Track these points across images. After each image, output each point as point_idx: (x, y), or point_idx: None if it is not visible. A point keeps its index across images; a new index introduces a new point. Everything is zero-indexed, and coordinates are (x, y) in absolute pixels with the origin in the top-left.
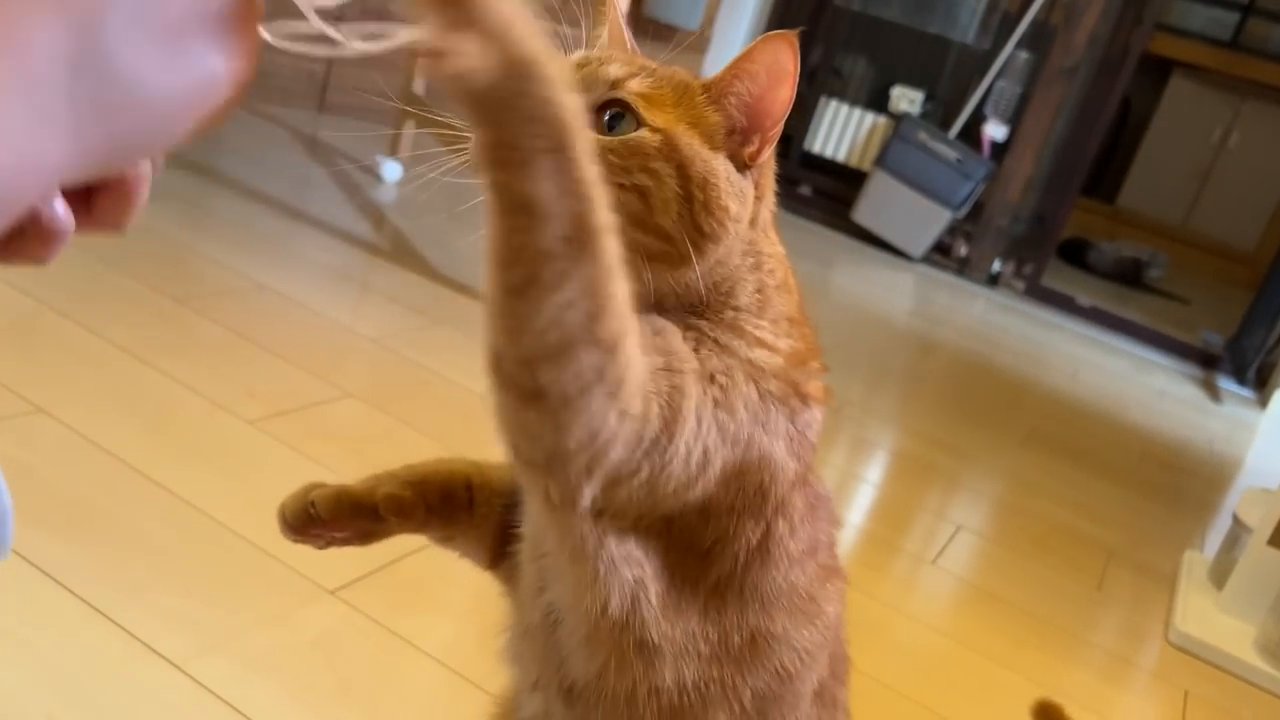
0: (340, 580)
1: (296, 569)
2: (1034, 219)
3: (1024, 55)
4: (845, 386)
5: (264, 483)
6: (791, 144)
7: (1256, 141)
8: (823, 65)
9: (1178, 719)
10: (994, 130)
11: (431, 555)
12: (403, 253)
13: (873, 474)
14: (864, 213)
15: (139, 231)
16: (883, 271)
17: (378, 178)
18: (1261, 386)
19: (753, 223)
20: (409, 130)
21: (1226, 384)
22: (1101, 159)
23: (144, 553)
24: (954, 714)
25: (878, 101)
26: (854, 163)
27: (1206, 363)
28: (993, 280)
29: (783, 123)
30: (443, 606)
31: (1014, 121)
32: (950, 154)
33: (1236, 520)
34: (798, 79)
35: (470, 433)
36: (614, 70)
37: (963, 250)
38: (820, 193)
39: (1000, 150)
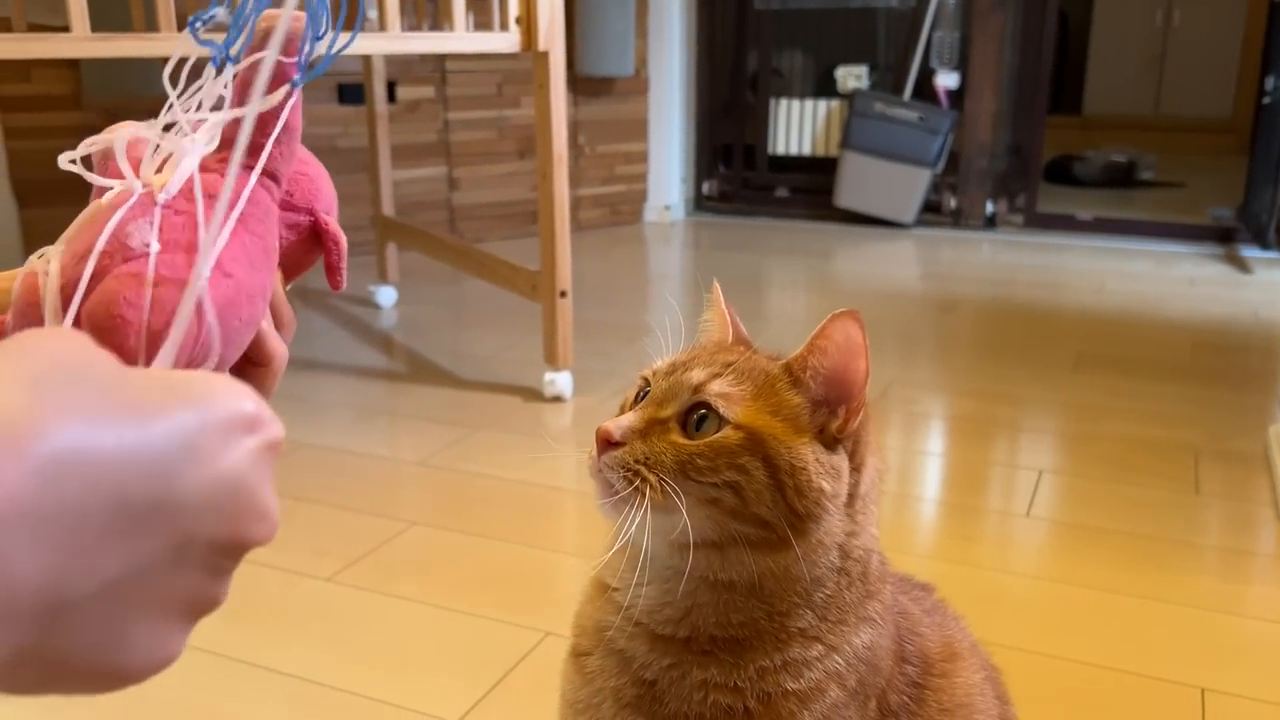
0: (461, 709)
1: (416, 709)
2: (1011, 151)
3: (952, 0)
4: (881, 367)
5: (359, 634)
6: (756, 153)
7: (1198, 12)
8: (762, 69)
9: None
10: (946, 79)
11: (542, 672)
12: (420, 371)
13: (936, 445)
14: (845, 196)
15: None
16: (881, 246)
17: (375, 306)
18: None
19: (850, 499)
20: (392, 252)
21: (1250, 252)
22: (1056, 75)
23: None
24: (1091, 656)
25: (825, 88)
26: (820, 152)
27: (1223, 238)
28: (990, 222)
29: (864, 393)
30: None
31: (962, 65)
32: (911, 115)
33: None
34: (868, 350)
35: (542, 525)
36: (696, 375)
37: (952, 202)
38: (797, 190)
39: (958, 96)
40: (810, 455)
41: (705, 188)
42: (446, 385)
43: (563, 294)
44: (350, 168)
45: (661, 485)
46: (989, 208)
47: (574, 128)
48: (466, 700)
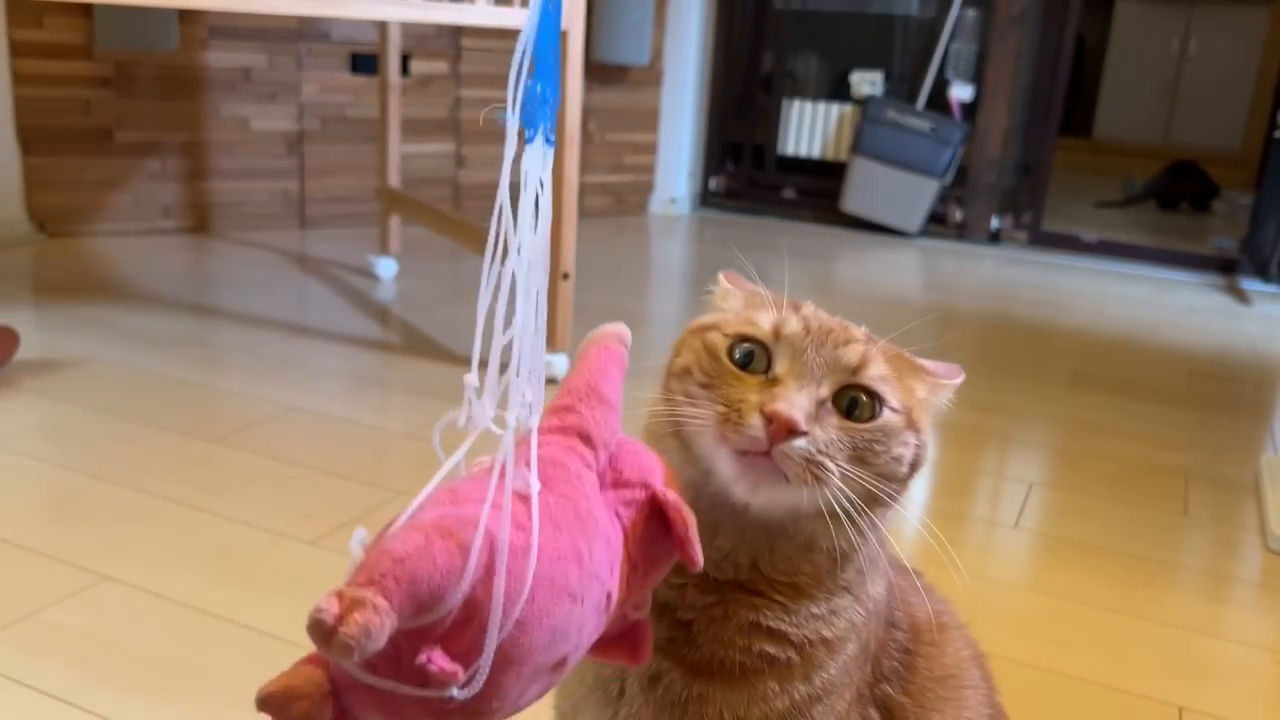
0: None
1: None
2: (1020, 168)
3: (971, 13)
4: None
5: None
6: (765, 152)
7: (1215, 43)
8: (777, 70)
9: None
10: (960, 91)
11: None
12: (416, 344)
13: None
14: (852, 201)
15: (158, 383)
16: (885, 253)
17: (374, 278)
18: None
19: None
20: (395, 224)
21: (1251, 285)
22: (1068, 96)
23: (243, 695)
24: (1072, 668)
25: (839, 91)
26: (830, 156)
27: (1225, 269)
28: (994, 237)
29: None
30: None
31: (977, 79)
32: (923, 125)
33: None
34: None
35: None
36: (853, 355)
37: (958, 215)
38: (804, 192)
39: (971, 109)
40: (928, 426)
41: (712, 184)
42: (441, 360)
43: (565, 276)
44: (359, 138)
45: (835, 472)
46: (994, 223)
47: (585, 114)
48: None
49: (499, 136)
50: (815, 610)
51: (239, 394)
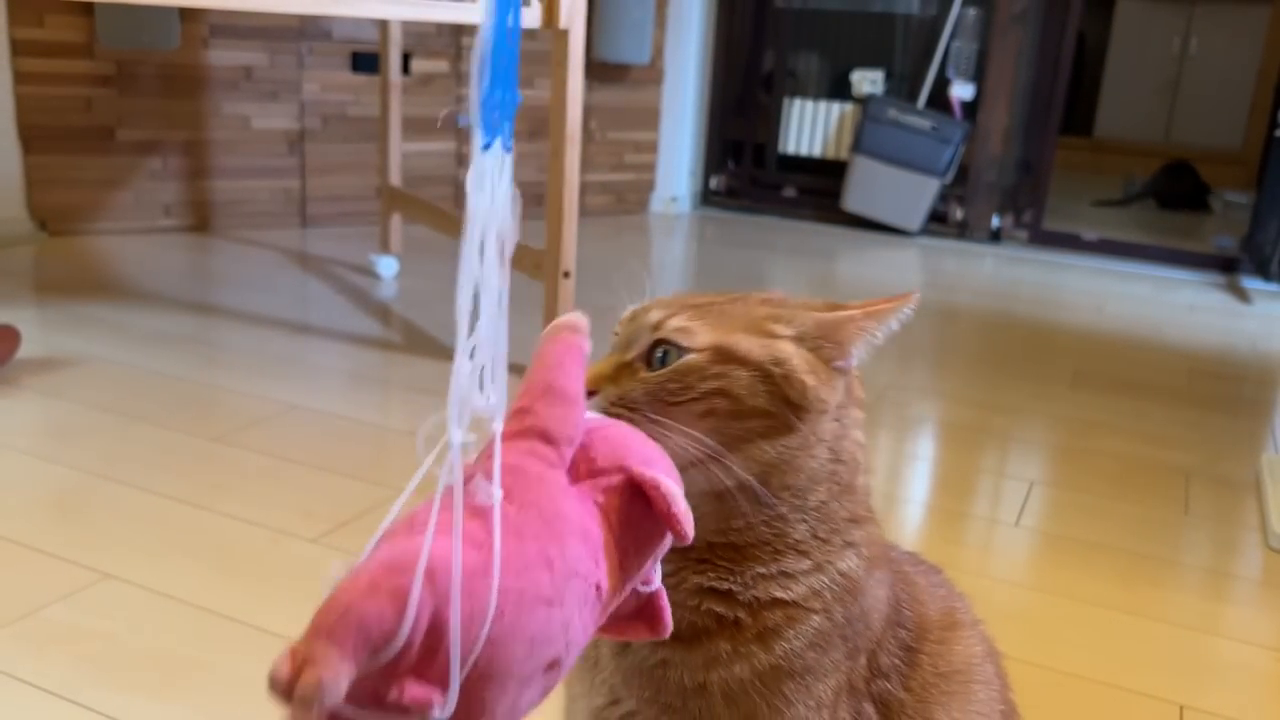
0: None
1: None
2: (1021, 167)
3: (972, 12)
4: (878, 370)
5: None
6: (766, 151)
7: (1216, 42)
8: (778, 69)
9: None
10: (961, 90)
11: None
12: (416, 342)
13: (927, 450)
14: (853, 200)
15: (159, 382)
16: (885, 252)
17: (375, 276)
18: None
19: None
20: (396, 223)
21: (1251, 283)
22: (1069, 95)
23: (244, 692)
24: (1073, 666)
25: (839, 90)
26: (831, 154)
27: (1226, 267)
28: (995, 236)
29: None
30: None
31: (978, 77)
32: (924, 123)
33: None
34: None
35: None
36: (654, 315)
37: (959, 213)
38: (805, 191)
39: (971, 108)
40: (792, 350)
41: (713, 182)
42: (442, 358)
43: (565, 274)
44: (360, 136)
45: (642, 418)
46: (995, 221)
47: (586, 113)
48: None
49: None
50: (762, 570)
51: (240, 392)
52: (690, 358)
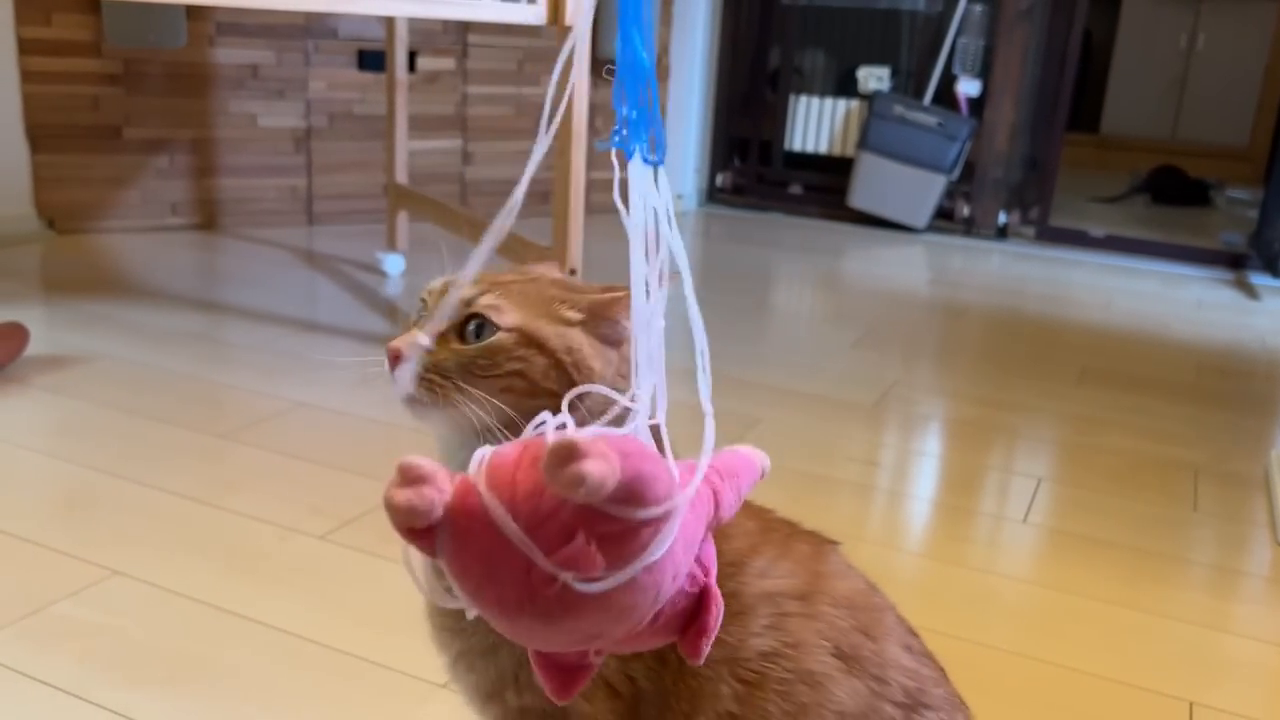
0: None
1: (403, 671)
2: (1027, 163)
3: (979, 8)
4: (884, 367)
5: (348, 594)
6: (772, 148)
7: (1223, 39)
8: (784, 66)
9: None
10: (967, 87)
11: None
12: None
13: (934, 446)
14: (859, 196)
15: (167, 379)
16: (892, 249)
17: (382, 274)
18: None
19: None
20: (402, 221)
21: (1260, 279)
22: (1076, 92)
23: (252, 689)
24: (1082, 663)
25: (845, 87)
26: (837, 151)
27: (1234, 263)
28: (1001, 233)
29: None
30: None
31: (984, 74)
32: (930, 120)
33: None
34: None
35: None
36: (466, 292)
37: (965, 210)
38: (811, 188)
39: (978, 105)
40: (582, 338)
41: (719, 180)
42: None
43: (572, 271)
44: (366, 134)
45: (453, 386)
46: (1001, 218)
47: (591, 111)
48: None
49: (505, 133)
50: None
51: (247, 389)
52: (500, 336)
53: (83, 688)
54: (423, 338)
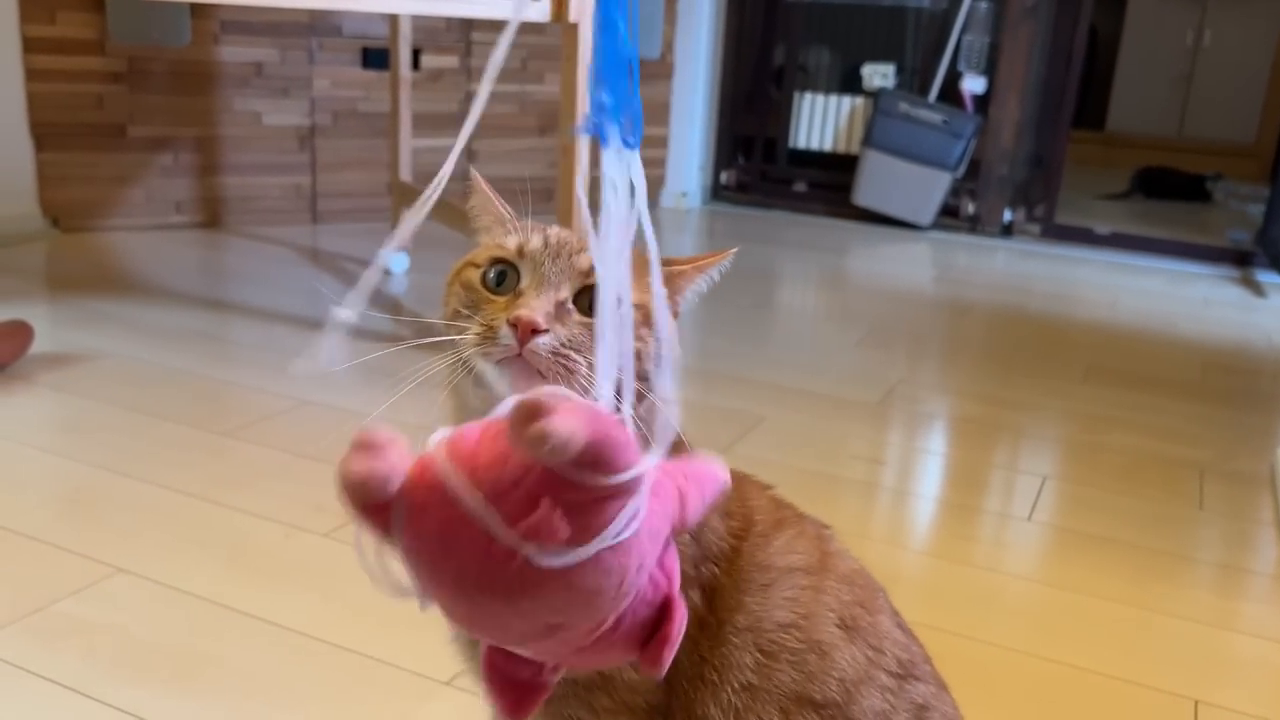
0: (452, 670)
1: (407, 668)
2: (1032, 161)
3: (984, 5)
4: (889, 366)
5: (351, 591)
6: (776, 146)
7: (1229, 35)
8: (788, 63)
9: None
10: (972, 84)
11: None
12: (426, 337)
13: (939, 445)
14: (864, 194)
15: (171, 377)
16: (897, 247)
17: (386, 272)
18: None
19: None
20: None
21: (1266, 277)
22: (1081, 89)
23: (256, 686)
24: (1087, 662)
25: (850, 84)
26: (842, 149)
27: (1240, 261)
28: (1007, 230)
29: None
30: None
31: (990, 71)
32: (935, 117)
33: None
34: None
35: None
36: (586, 260)
37: (970, 208)
38: (816, 185)
39: (983, 102)
40: (674, 324)
41: (723, 177)
42: None
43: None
44: (370, 133)
45: (587, 366)
46: (1007, 216)
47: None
48: (457, 663)
49: (510, 131)
50: None
51: (251, 387)
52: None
53: (87, 685)
54: (543, 309)
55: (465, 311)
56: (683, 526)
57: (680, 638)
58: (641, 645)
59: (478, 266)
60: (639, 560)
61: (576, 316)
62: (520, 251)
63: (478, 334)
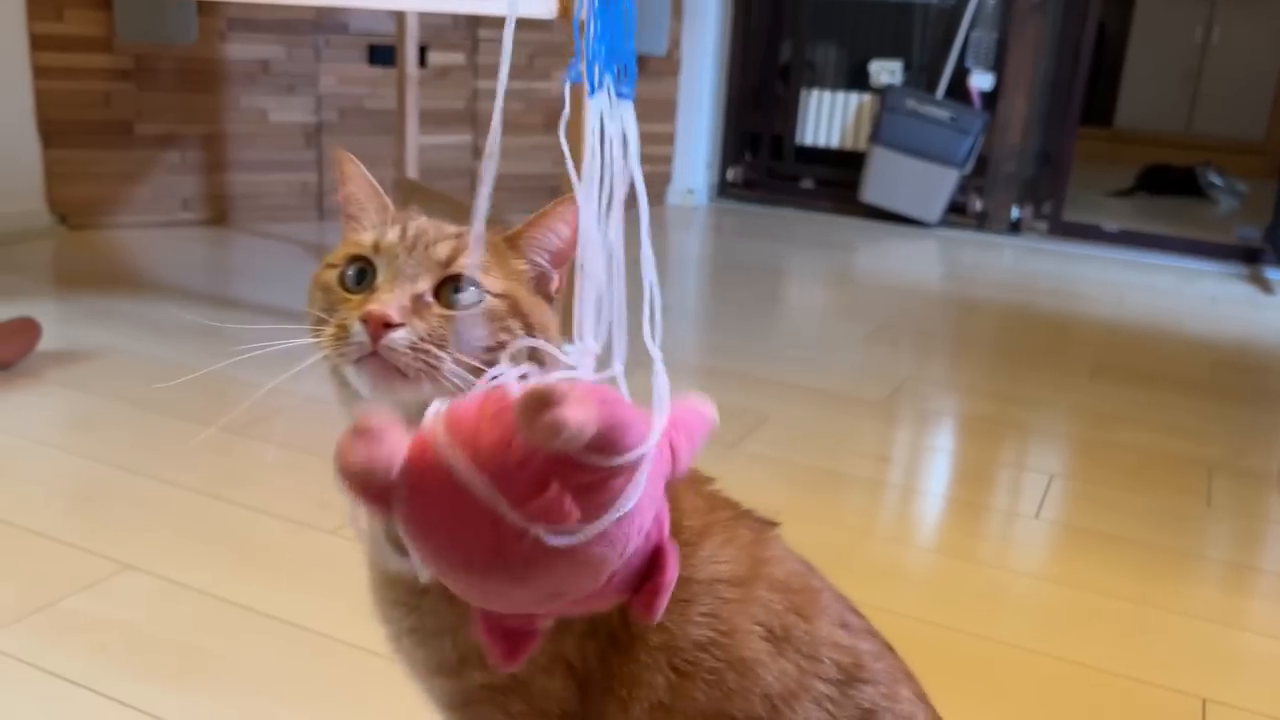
0: None
1: None
2: (1040, 157)
3: (992, 1)
4: (896, 362)
5: (358, 587)
6: (783, 143)
7: (1238, 31)
8: (795, 60)
9: None
10: (980, 80)
11: None
12: None
13: (946, 442)
14: (871, 191)
15: (179, 373)
16: (904, 243)
17: None
18: None
19: None
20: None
21: (1275, 274)
22: (1089, 85)
23: (264, 682)
24: (1095, 660)
25: (858, 80)
26: (849, 145)
27: (1249, 258)
28: (1014, 227)
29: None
30: None
31: (998, 67)
32: (943, 114)
33: None
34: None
35: None
36: (444, 250)
37: (978, 205)
38: (823, 182)
39: (991, 99)
40: (548, 311)
41: (730, 174)
42: None
43: (583, 265)
44: (377, 129)
45: (448, 358)
46: (1014, 213)
47: None
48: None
49: (516, 128)
50: None
51: (257, 383)
52: (493, 303)
53: (94, 680)
54: (397, 303)
55: (324, 315)
56: (674, 477)
57: (673, 585)
58: (634, 591)
59: (335, 267)
60: (640, 525)
61: (437, 309)
62: (376, 247)
63: (332, 335)
